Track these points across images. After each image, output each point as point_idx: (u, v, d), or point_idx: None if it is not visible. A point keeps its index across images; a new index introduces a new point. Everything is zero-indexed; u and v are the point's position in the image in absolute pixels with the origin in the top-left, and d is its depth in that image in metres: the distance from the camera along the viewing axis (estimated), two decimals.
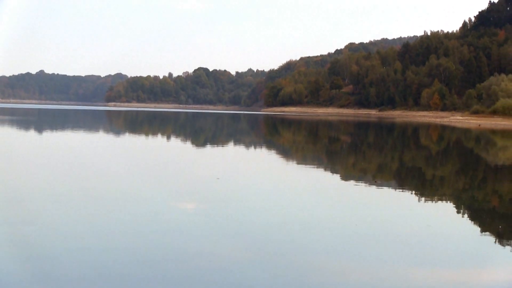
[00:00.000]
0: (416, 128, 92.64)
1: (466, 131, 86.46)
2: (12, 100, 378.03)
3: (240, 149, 50.33)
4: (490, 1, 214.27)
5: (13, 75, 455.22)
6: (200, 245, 13.67)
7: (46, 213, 17.23)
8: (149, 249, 13.26)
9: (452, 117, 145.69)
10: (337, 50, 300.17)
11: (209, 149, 48.61)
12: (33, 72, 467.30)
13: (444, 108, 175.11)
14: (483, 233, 17.39)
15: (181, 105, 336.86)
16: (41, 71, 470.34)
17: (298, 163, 38.62)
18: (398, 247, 14.49)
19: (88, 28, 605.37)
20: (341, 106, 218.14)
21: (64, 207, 18.36)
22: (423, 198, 23.91)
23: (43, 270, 11.54)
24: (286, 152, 47.54)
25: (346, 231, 16.43)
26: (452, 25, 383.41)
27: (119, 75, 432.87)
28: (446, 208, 21.94)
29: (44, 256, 12.44)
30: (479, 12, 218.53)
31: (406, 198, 23.68)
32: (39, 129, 66.20)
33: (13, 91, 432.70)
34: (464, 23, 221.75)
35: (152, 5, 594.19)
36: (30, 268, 11.53)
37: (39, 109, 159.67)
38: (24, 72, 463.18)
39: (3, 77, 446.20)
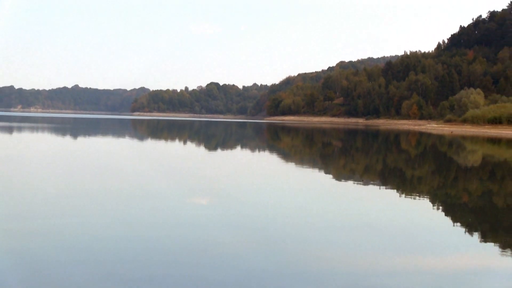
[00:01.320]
0: (397, 135, 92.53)
1: (440, 137, 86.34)
2: (51, 110, 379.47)
3: (246, 152, 50.39)
4: (460, 26, 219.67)
5: (51, 89, 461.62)
6: (210, 234, 13.70)
7: (82, 206, 17.30)
8: (167, 237, 13.30)
9: (428, 125, 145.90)
10: (329, 67, 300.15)
11: (219, 152, 48.56)
12: (69, 86, 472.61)
13: (421, 117, 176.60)
14: (455, 224, 17.39)
15: (195, 115, 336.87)
16: (76, 85, 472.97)
17: (296, 164, 38.59)
18: (382, 236, 14.49)
19: (115, 48, 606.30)
20: (333, 116, 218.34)
21: (97, 201, 18.41)
22: (403, 195, 23.89)
23: (84, 250, 11.60)
24: (285, 155, 47.50)
25: (337, 223, 16.45)
26: (428, 46, 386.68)
27: (142, 89, 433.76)
28: (423, 203, 21.92)
29: (83, 240, 12.49)
30: (451, 35, 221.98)
31: (389, 195, 23.65)
32: (75, 134, 66.41)
33: (52, 103, 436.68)
34: (439, 44, 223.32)
35: (171, 29, 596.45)
36: (74, 249, 11.56)
37: (74, 118, 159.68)
38: (61, 86, 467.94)
39: (44, 90, 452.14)
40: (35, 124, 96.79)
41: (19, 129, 76.06)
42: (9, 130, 71.00)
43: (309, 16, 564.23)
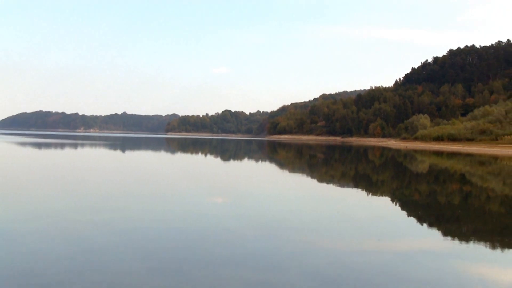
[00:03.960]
0: (366, 149, 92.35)
1: (397, 150, 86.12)
2: (105, 131, 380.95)
3: (252, 162, 50.26)
4: (412, 68, 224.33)
5: (106, 114, 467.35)
6: (224, 225, 13.65)
7: (129, 203, 17.30)
8: (190, 226, 13.28)
9: (388, 142, 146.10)
10: (314, 98, 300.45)
11: (231, 162, 48.50)
12: (119, 112, 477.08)
13: (383, 136, 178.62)
14: (409, 216, 17.32)
15: (213, 134, 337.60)
16: (124, 112, 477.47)
17: (289, 171, 38.49)
18: (354, 225, 14.44)
19: (154, 83, 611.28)
20: (317, 135, 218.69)
21: (139, 199, 18.40)
22: (370, 194, 23.82)
23: (132, 233, 11.70)
24: (281, 164, 47.44)
25: (320, 215, 16.37)
26: (388, 83, 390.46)
27: (174, 115, 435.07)
28: (385, 200, 21.86)
29: (119, 227, 12.51)
30: (405, 74, 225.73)
31: (359, 194, 23.57)
32: (124, 148, 66.69)
33: (106, 125, 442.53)
34: (396, 81, 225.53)
35: (197, 70, 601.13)
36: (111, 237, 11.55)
37: (123, 137, 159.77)
38: (113, 112, 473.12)
39: (100, 116, 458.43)
40: (96, 141, 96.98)
41: (83, 145, 76.32)
42: (78, 145, 71.49)
43: (299, 61, 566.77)
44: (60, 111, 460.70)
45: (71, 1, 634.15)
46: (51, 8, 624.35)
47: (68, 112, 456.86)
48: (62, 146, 69.00)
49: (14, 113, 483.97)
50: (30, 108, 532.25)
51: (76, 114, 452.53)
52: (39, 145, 67.73)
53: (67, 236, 11.57)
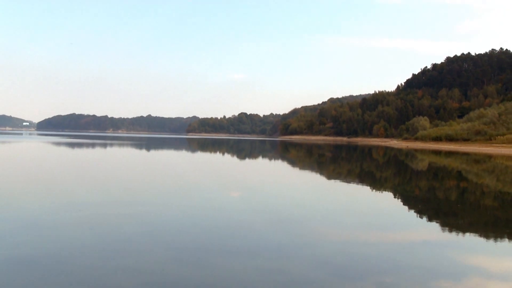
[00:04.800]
0: (370, 148, 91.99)
1: (399, 150, 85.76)
2: (132, 132, 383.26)
3: (265, 160, 50.25)
4: (413, 74, 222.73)
5: (132, 117, 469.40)
6: (240, 218, 13.69)
7: (154, 196, 17.40)
8: (208, 221, 13.29)
9: (391, 142, 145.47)
10: (323, 101, 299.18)
11: (247, 159, 48.48)
12: (144, 115, 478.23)
13: (386, 136, 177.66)
14: (410, 210, 17.26)
15: (230, 135, 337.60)
16: (149, 115, 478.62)
17: (300, 168, 38.48)
18: (359, 218, 14.40)
19: (177, 88, 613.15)
20: (326, 135, 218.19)
21: (160, 194, 18.49)
22: (374, 189, 23.76)
23: (160, 223, 11.81)
24: (293, 162, 47.38)
25: (328, 208, 16.37)
26: (391, 87, 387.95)
27: (194, 117, 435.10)
28: (388, 195, 21.78)
29: (144, 220, 12.62)
30: (407, 79, 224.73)
31: (364, 189, 23.51)
32: (150, 147, 66.87)
33: (133, 127, 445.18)
34: (398, 86, 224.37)
35: (216, 76, 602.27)
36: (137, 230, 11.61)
37: (148, 137, 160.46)
38: (139, 115, 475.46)
39: (127, 118, 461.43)
40: (124, 141, 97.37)
41: (112, 145, 76.70)
42: (108, 144, 71.88)
43: (309, 68, 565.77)
44: (91, 113, 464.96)
45: (99, 14, 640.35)
46: (82, 21, 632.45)
47: (98, 114, 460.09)
48: (93, 145, 69.40)
49: (50, 116, 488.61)
50: (64, 111, 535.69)
51: (106, 116, 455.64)
52: (72, 145, 68.18)
53: (99, 227, 11.67)
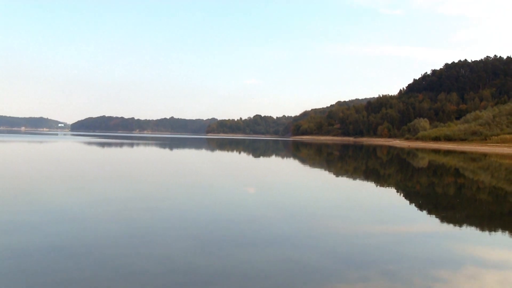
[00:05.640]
0: (374, 147, 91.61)
1: (401, 149, 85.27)
2: (156, 133, 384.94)
3: (278, 158, 50.22)
4: (414, 79, 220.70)
5: (157, 119, 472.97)
6: (255, 211, 13.73)
7: (176, 193, 17.48)
8: (226, 214, 13.37)
9: (394, 141, 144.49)
10: (331, 104, 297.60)
11: (261, 158, 48.50)
12: (168, 117, 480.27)
13: (390, 136, 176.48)
14: (411, 204, 17.18)
15: (246, 135, 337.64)
16: (172, 117, 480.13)
17: (310, 166, 38.42)
18: (365, 212, 14.38)
19: (197, 92, 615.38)
20: (334, 135, 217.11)
21: (182, 190, 18.59)
22: (378, 185, 23.70)
23: (178, 218, 11.90)
24: (303, 160, 47.32)
25: (336, 203, 16.37)
26: (394, 91, 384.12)
27: (213, 119, 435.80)
28: (391, 191, 21.71)
29: (167, 213, 12.72)
30: (408, 84, 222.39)
31: (369, 185, 23.47)
32: (173, 146, 67.15)
33: (157, 128, 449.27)
34: (400, 90, 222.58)
35: (232, 81, 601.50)
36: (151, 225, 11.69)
37: (171, 137, 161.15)
38: (163, 117, 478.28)
39: (152, 120, 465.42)
40: (149, 141, 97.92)
41: (138, 144, 77.16)
42: (134, 144, 72.40)
43: (318, 73, 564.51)
44: (119, 116, 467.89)
45: (126, 25, 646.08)
46: (111, 30, 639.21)
47: (126, 116, 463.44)
48: (121, 145, 69.93)
49: (83, 118, 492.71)
50: (95, 114, 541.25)
51: (133, 118, 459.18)
52: (103, 144, 68.70)
53: (126, 219, 11.80)
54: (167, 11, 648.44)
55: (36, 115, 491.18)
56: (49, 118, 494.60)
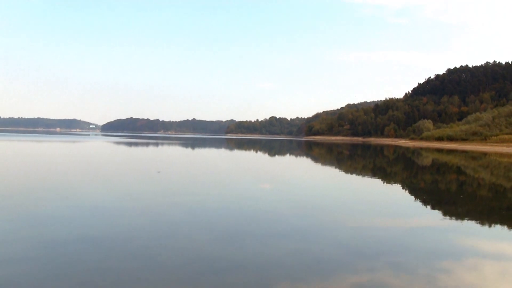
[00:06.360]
0: (382, 147, 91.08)
1: (407, 148, 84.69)
2: (179, 133, 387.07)
3: (292, 156, 50.17)
4: (418, 83, 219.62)
5: (180, 120, 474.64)
6: (270, 206, 13.74)
7: (197, 188, 17.55)
8: (243, 209, 13.38)
9: (400, 141, 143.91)
10: (341, 107, 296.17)
11: (276, 156, 48.44)
12: (190, 119, 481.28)
13: (396, 137, 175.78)
14: (416, 200, 17.04)
15: (262, 135, 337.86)
16: (194, 118, 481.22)
17: (321, 164, 38.31)
18: (370, 206, 14.31)
19: (217, 96, 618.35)
20: (343, 136, 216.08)
21: (203, 184, 18.66)
22: (385, 182, 23.53)
23: (195, 211, 11.95)
24: (316, 158, 47.20)
25: (345, 198, 16.32)
26: (400, 94, 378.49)
27: (232, 120, 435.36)
28: (397, 187, 21.54)
29: (189, 207, 12.78)
30: (413, 88, 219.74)
31: (376, 182, 23.33)
32: (195, 145, 67.52)
33: (180, 129, 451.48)
34: (406, 94, 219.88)
35: (248, 85, 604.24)
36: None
37: (193, 137, 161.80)
38: (185, 119, 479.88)
39: (175, 121, 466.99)
40: (173, 141, 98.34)
41: (163, 144, 77.64)
42: (159, 144, 72.91)
43: (329, 77, 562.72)
44: (145, 117, 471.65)
45: (152, 32, 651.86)
46: (138, 37, 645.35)
47: (152, 118, 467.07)
48: (147, 144, 70.41)
49: (112, 119, 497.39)
50: (123, 115, 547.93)
51: (158, 120, 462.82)
52: (131, 144, 69.23)
53: (151, 213, 11.87)
54: (190, 19, 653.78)
55: (70, 117, 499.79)
56: (81, 120, 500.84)
